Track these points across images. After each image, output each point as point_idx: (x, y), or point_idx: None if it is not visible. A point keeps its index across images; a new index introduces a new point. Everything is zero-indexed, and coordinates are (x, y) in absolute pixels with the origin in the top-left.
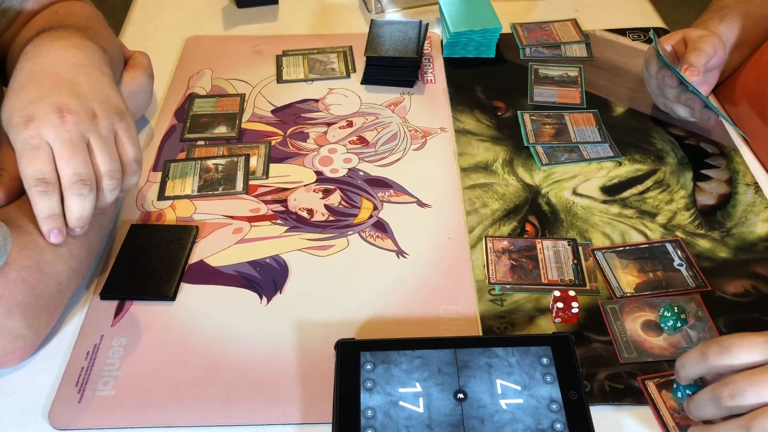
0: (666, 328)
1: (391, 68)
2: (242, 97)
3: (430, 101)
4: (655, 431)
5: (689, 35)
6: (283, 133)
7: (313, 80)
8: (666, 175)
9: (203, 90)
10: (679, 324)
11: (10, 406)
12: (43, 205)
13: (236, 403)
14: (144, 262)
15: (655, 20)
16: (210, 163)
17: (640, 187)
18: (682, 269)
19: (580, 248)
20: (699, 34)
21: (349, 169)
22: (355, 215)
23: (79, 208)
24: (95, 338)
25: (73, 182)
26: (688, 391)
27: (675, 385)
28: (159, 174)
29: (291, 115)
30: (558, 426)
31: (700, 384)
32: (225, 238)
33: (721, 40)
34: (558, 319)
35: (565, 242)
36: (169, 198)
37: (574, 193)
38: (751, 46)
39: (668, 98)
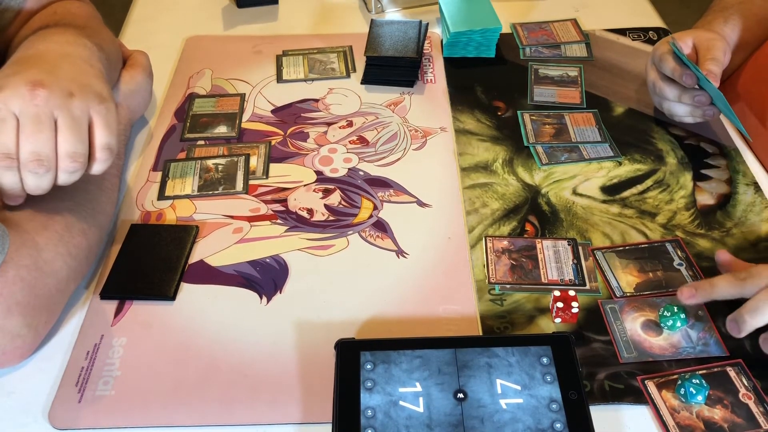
0: (666, 327)
1: (391, 68)
2: (242, 96)
3: (430, 101)
4: (655, 431)
5: (699, 39)
6: (283, 133)
7: (313, 80)
8: (666, 175)
9: (203, 90)
10: (679, 324)
11: (10, 406)
12: (6, 179)
13: (236, 403)
14: (144, 262)
15: (655, 20)
16: (210, 162)
17: (640, 187)
18: (682, 269)
19: (580, 248)
20: (708, 37)
21: (349, 168)
22: (355, 215)
23: (33, 185)
24: (95, 338)
25: (30, 160)
26: (692, 389)
27: (680, 382)
28: (159, 174)
29: (291, 115)
30: (558, 426)
31: (707, 384)
32: (225, 237)
33: (727, 44)
34: (558, 319)
35: (565, 242)
36: (169, 198)
37: (574, 192)
38: (752, 47)
39: (667, 98)
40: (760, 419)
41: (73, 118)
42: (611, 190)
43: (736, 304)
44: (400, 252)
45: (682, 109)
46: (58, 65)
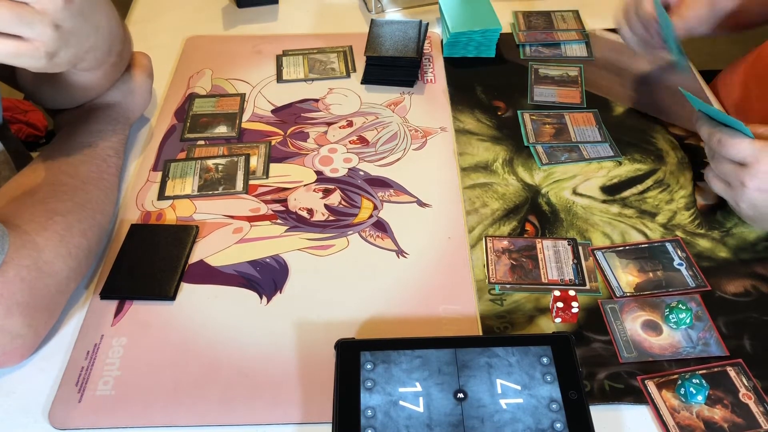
0: (676, 320)
1: (391, 68)
2: (242, 96)
3: (430, 101)
4: (655, 431)
5: None
6: (283, 133)
7: (313, 80)
8: (666, 175)
9: (203, 90)
10: (689, 320)
11: (10, 406)
12: None
13: (236, 403)
14: (144, 262)
15: None
16: (210, 162)
17: (640, 187)
18: (682, 269)
19: (580, 248)
20: None
21: (349, 168)
22: (355, 215)
23: None
24: (95, 338)
25: None
26: (692, 389)
27: (680, 382)
28: (159, 174)
29: (291, 115)
30: (558, 426)
31: (707, 384)
32: (225, 237)
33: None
34: (558, 319)
35: (565, 242)
36: (169, 198)
37: (574, 192)
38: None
39: (634, 33)
40: (760, 419)
41: None
42: (611, 190)
43: (736, 305)
44: (400, 252)
45: (634, 41)
46: None
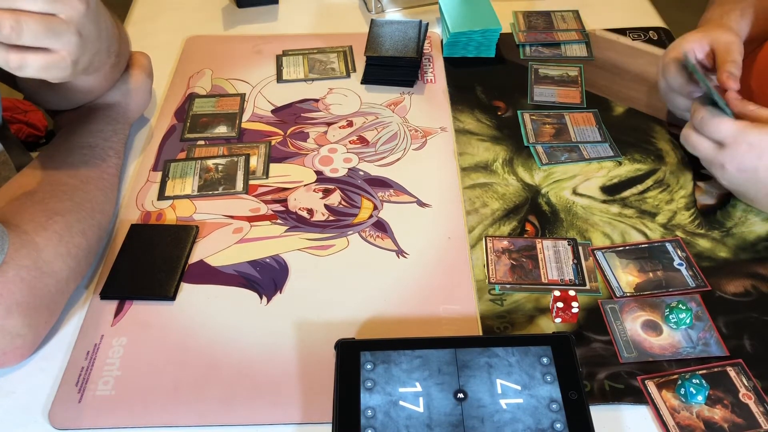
0: (676, 320)
1: (391, 68)
2: (242, 96)
3: (430, 101)
4: (655, 431)
5: (717, 43)
6: (283, 133)
7: (313, 80)
8: (666, 175)
9: (203, 90)
10: (689, 320)
11: (10, 406)
12: None
13: (236, 403)
14: (144, 262)
15: (655, 20)
16: (210, 162)
17: (640, 187)
18: (682, 269)
19: (580, 248)
20: (726, 40)
21: (349, 168)
22: (355, 215)
23: None
24: (95, 338)
25: None
26: (692, 389)
27: (680, 382)
28: (159, 174)
29: (291, 115)
30: (558, 426)
31: (707, 384)
32: (225, 237)
33: (741, 42)
34: (558, 319)
35: (565, 242)
36: (169, 198)
37: (574, 192)
38: (758, 42)
39: (679, 108)
40: (760, 419)
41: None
42: (611, 190)
43: (736, 304)
44: (400, 252)
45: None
46: None
